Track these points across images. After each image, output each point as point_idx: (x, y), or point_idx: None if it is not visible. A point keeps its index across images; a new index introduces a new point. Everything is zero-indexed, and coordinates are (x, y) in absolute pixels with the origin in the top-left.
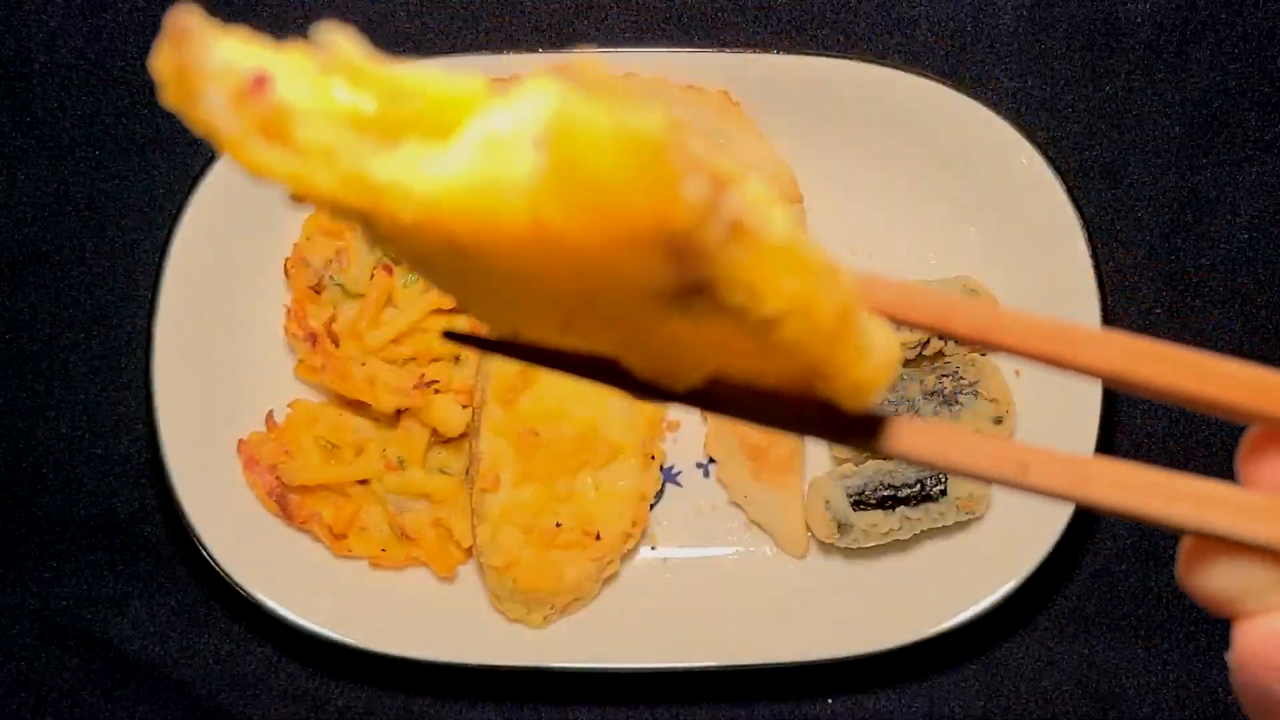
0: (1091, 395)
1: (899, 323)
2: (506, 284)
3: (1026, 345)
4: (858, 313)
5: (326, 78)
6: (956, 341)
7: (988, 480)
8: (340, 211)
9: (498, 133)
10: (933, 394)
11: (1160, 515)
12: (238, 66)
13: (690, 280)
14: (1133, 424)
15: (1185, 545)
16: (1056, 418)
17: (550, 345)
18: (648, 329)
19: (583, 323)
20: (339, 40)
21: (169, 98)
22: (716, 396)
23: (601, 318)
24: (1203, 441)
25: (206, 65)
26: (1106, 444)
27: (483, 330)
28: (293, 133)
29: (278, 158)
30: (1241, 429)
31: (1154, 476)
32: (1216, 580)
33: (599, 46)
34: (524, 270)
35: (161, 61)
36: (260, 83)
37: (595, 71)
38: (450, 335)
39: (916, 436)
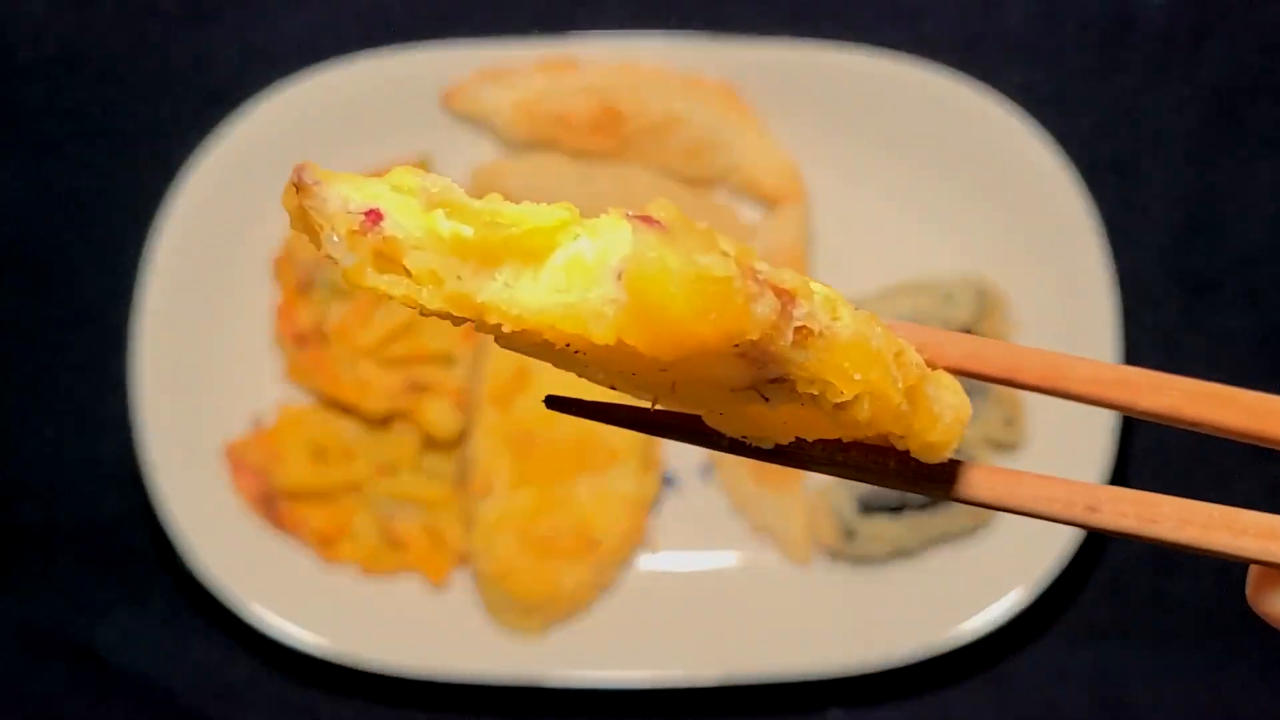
0: None
1: (968, 376)
2: (599, 370)
3: (1091, 392)
4: (925, 386)
5: (431, 211)
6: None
7: (1058, 522)
8: (447, 318)
9: (582, 261)
10: None
11: (1228, 549)
12: (352, 206)
13: (765, 377)
14: (1146, 426)
15: (1253, 573)
16: (1069, 420)
17: (644, 410)
18: (730, 410)
19: (670, 400)
20: (442, 180)
21: (295, 228)
22: (800, 453)
23: (687, 399)
24: (1218, 444)
25: (325, 209)
26: (1121, 446)
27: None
28: (402, 259)
29: (390, 282)
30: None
31: (1218, 513)
32: None
33: (596, 33)
34: (612, 366)
35: (287, 202)
36: (373, 218)
37: (669, 211)
38: (552, 400)
39: (988, 483)
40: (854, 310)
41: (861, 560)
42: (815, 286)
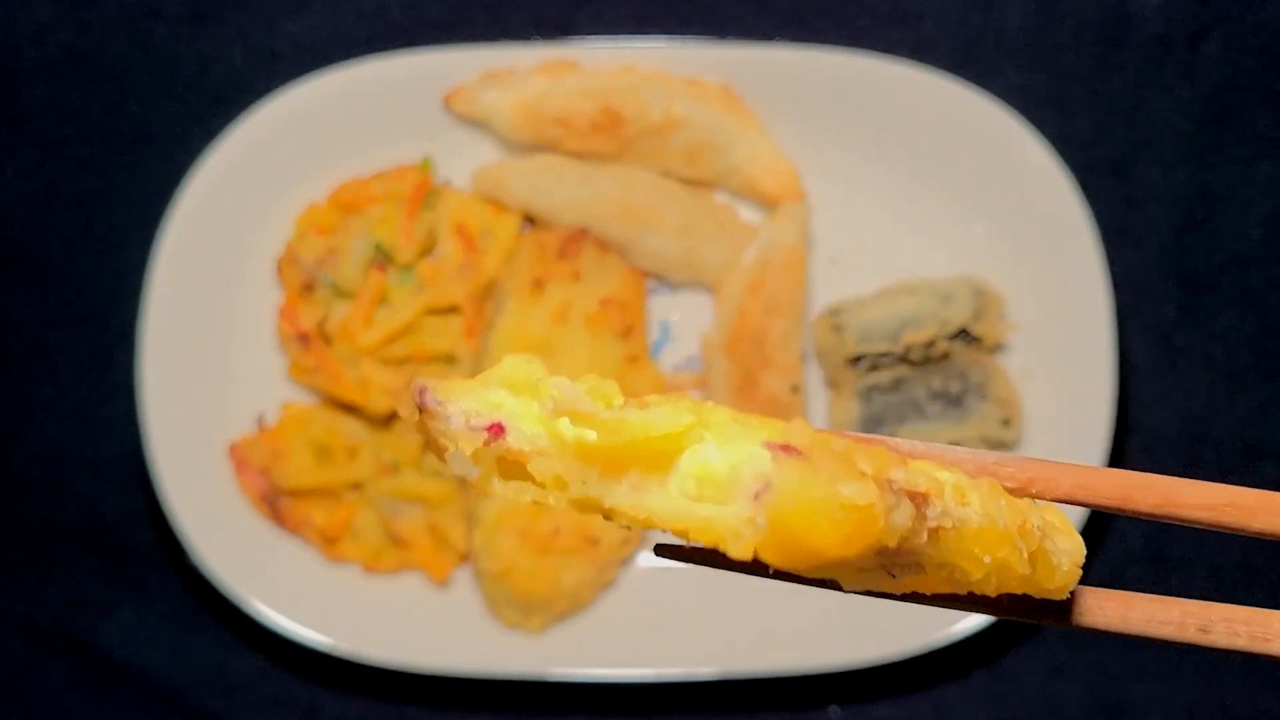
0: (1101, 398)
1: (1078, 505)
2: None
3: (1204, 517)
4: (1044, 543)
5: (554, 419)
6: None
7: (1172, 643)
8: (577, 511)
9: (712, 472)
10: (938, 395)
11: None
12: (475, 422)
13: (896, 565)
14: (1143, 426)
15: None
16: (1066, 420)
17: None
18: (858, 579)
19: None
20: (565, 386)
21: (421, 440)
22: (923, 596)
23: (811, 575)
24: (1213, 445)
25: (449, 430)
26: (1118, 446)
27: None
28: (528, 467)
29: (517, 489)
30: (1257, 438)
31: None
32: None
33: (597, 38)
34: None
35: (409, 419)
36: (495, 431)
37: (806, 436)
38: (661, 549)
39: (1101, 609)
40: (981, 491)
41: None
42: (944, 476)
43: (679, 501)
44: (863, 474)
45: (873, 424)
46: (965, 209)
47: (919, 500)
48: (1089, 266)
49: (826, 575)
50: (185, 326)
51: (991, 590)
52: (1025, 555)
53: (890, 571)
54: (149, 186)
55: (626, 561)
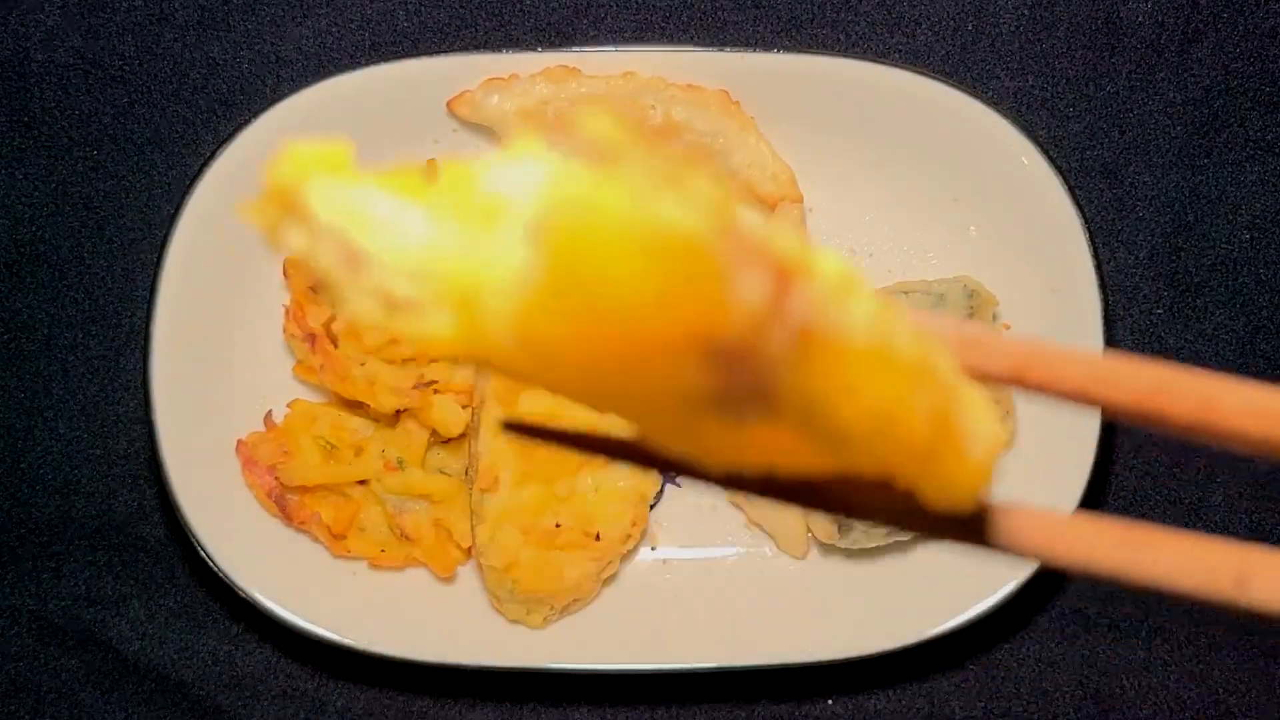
0: None
1: (1087, 404)
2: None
3: (1253, 429)
4: (955, 412)
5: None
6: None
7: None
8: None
9: (477, 206)
10: None
11: None
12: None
13: (741, 390)
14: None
15: None
16: (1058, 418)
17: (585, 429)
18: (680, 424)
19: (605, 406)
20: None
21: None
22: (761, 482)
23: (622, 409)
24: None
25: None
26: (1107, 445)
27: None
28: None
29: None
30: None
31: None
32: None
33: (598, 45)
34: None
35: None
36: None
37: (608, 128)
38: (510, 426)
39: (1030, 531)
40: (875, 298)
41: (856, 553)
42: (824, 261)
43: (427, 246)
44: (696, 197)
45: None
46: (959, 211)
47: (781, 278)
48: (1081, 268)
49: (636, 404)
50: (194, 326)
51: (869, 464)
52: (927, 412)
53: (729, 407)
54: (158, 189)
55: (627, 557)
